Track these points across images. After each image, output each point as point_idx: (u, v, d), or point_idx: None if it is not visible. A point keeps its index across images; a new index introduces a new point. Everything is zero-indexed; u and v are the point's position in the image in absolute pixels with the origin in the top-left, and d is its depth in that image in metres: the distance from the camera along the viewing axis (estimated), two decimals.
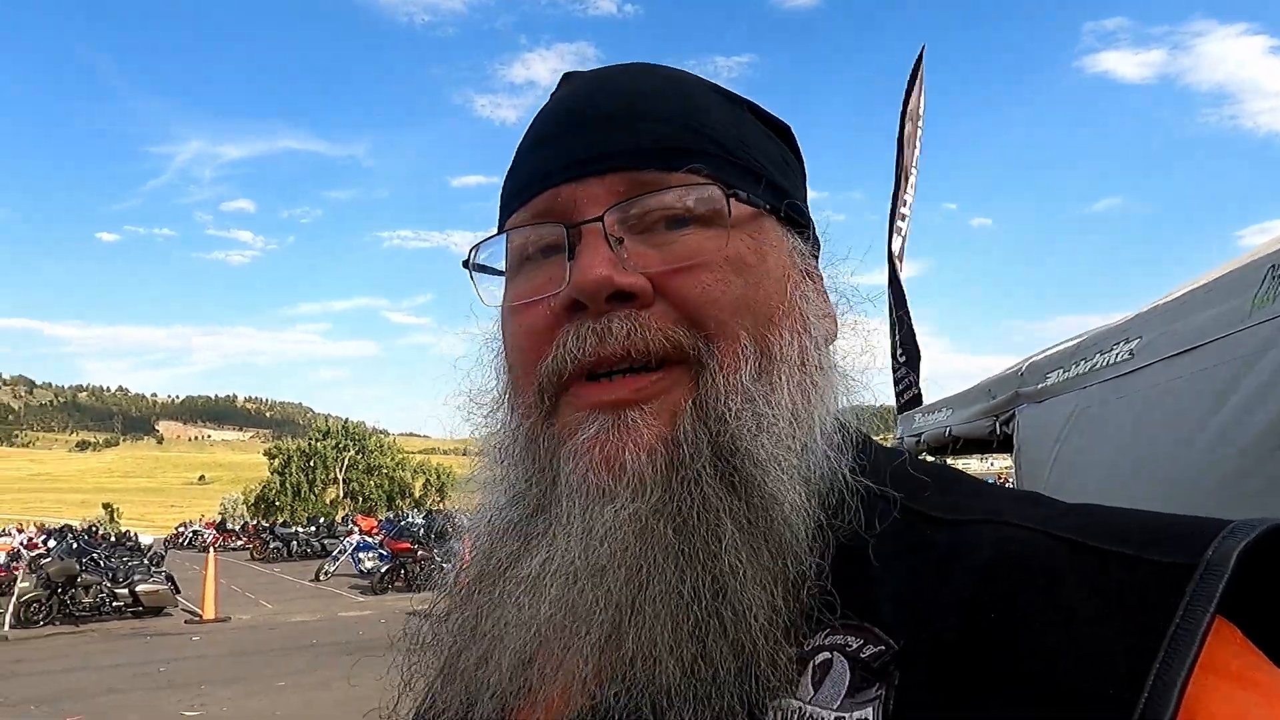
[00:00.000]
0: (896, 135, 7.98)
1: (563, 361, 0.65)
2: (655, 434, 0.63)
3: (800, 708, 0.55)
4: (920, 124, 7.93)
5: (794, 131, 0.79)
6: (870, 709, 0.52)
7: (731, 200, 0.67)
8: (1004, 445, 5.16)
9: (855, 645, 0.55)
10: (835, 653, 0.56)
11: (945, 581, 0.55)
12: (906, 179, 7.91)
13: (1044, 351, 4.63)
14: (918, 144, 7.93)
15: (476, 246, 0.74)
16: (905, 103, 7.85)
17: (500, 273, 0.74)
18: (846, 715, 0.53)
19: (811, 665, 0.56)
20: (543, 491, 0.68)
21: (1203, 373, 2.83)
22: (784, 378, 0.66)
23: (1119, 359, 3.45)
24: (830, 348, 0.73)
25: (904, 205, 7.92)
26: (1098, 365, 3.65)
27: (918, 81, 7.93)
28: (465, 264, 0.75)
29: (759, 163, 0.71)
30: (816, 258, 0.77)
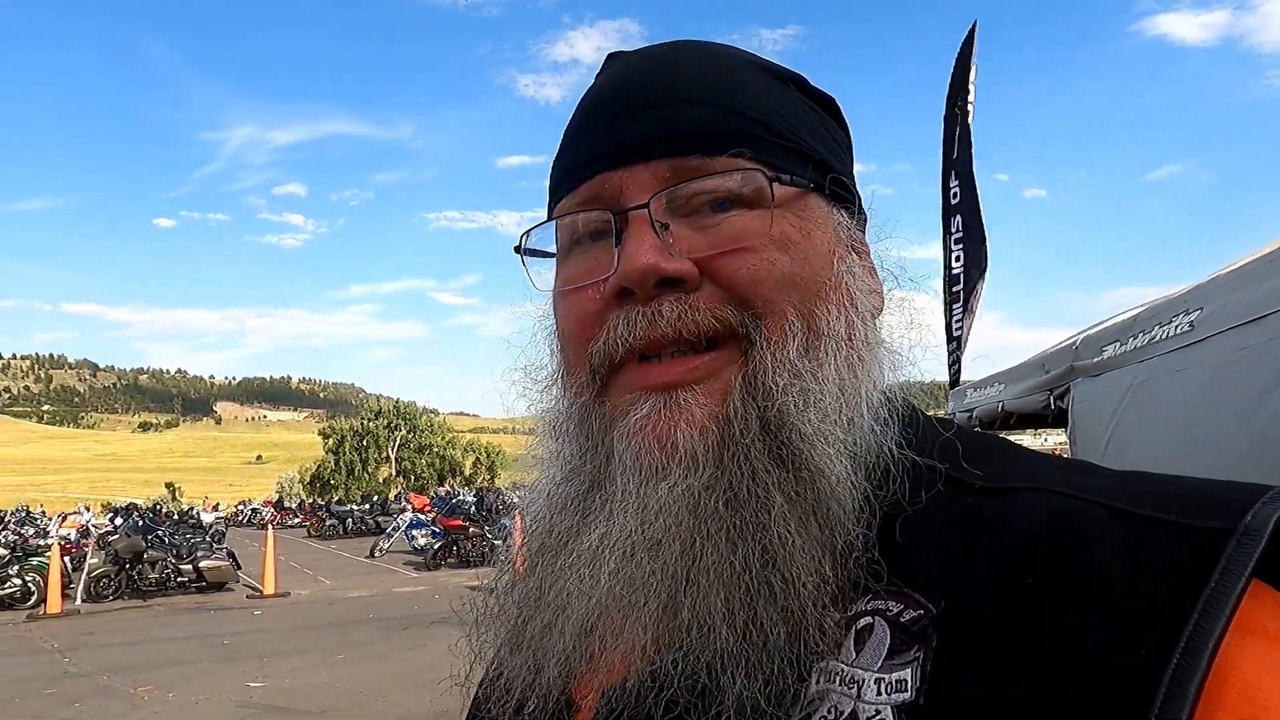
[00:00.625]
0: (948, 116, 7.75)
1: (614, 345, 0.67)
2: (707, 413, 0.64)
3: (843, 670, 0.56)
4: (971, 104, 7.70)
5: (839, 105, 0.79)
6: (909, 670, 0.54)
7: (774, 184, 0.67)
8: (1058, 420, 5.06)
9: (895, 610, 0.57)
10: (876, 617, 0.57)
11: (987, 548, 0.56)
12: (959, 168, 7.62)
13: (1100, 324, 4.52)
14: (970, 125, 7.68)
15: (527, 233, 0.76)
16: (961, 83, 7.62)
17: (551, 255, 0.76)
18: (886, 676, 0.54)
19: (854, 629, 0.58)
20: (597, 468, 0.70)
21: (1265, 345, 2.75)
22: (831, 353, 0.66)
23: (1178, 331, 3.36)
24: (876, 322, 0.74)
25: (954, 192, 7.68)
26: (1156, 338, 3.56)
27: (971, 60, 7.69)
28: (517, 249, 0.76)
29: (804, 140, 0.71)
30: (864, 232, 0.77)
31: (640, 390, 0.67)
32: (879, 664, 0.55)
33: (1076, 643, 0.49)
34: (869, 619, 0.57)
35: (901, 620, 0.56)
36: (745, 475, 0.62)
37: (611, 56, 0.79)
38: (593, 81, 0.78)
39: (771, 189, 0.67)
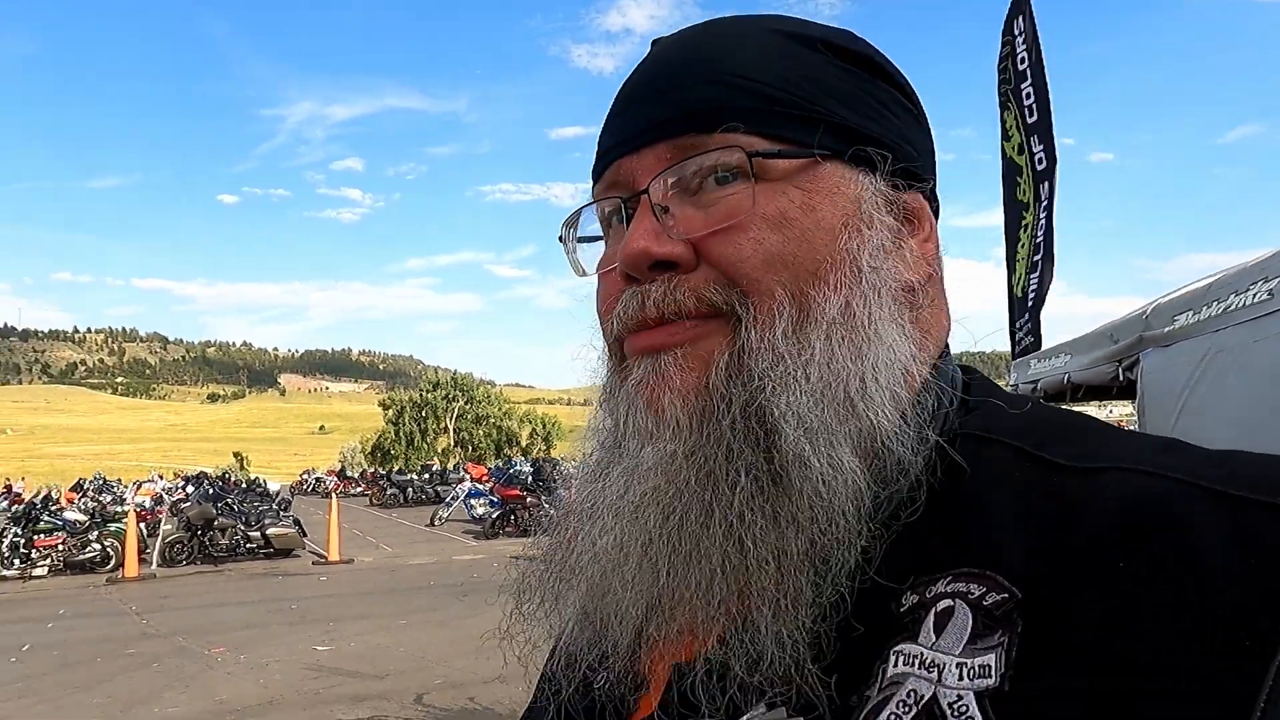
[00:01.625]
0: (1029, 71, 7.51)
1: (615, 325, 0.70)
2: (685, 380, 0.65)
3: (922, 653, 0.55)
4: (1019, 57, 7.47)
5: (887, 59, 0.74)
6: (993, 656, 0.52)
7: (756, 159, 0.66)
8: (1125, 392, 4.93)
9: (977, 593, 0.55)
10: (957, 599, 0.55)
11: (1072, 530, 0.54)
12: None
13: (1171, 293, 4.37)
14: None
15: (571, 224, 0.78)
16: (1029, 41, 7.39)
17: (600, 238, 0.78)
18: (969, 661, 0.53)
19: (933, 612, 0.56)
20: (618, 438, 0.72)
21: None
22: (825, 335, 0.64)
23: (1256, 299, 3.23)
24: (899, 293, 0.69)
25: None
26: (1232, 307, 3.43)
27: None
28: (561, 239, 0.78)
29: (821, 106, 0.68)
30: (930, 196, 0.73)
31: (635, 355, 0.69)
32: (960, 648, 0.53)
33: (1172, 633, 0.47)
34: (949, 601, 0.56)
35: (984, 604, 0.54)
36: (719, 452, 0.63)
37: (654, 42, 0.78)
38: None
39: (751, 164, 0.65)
